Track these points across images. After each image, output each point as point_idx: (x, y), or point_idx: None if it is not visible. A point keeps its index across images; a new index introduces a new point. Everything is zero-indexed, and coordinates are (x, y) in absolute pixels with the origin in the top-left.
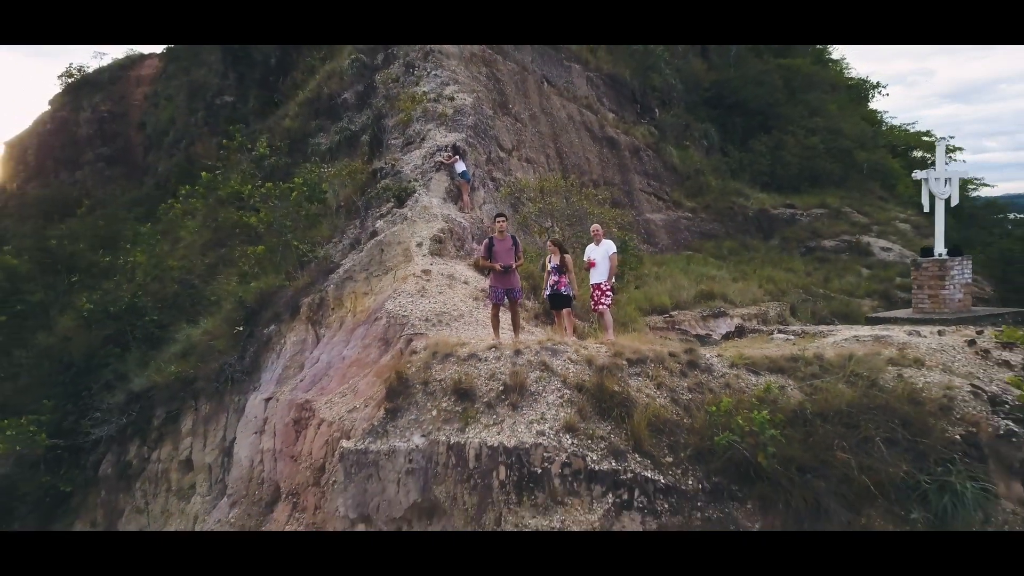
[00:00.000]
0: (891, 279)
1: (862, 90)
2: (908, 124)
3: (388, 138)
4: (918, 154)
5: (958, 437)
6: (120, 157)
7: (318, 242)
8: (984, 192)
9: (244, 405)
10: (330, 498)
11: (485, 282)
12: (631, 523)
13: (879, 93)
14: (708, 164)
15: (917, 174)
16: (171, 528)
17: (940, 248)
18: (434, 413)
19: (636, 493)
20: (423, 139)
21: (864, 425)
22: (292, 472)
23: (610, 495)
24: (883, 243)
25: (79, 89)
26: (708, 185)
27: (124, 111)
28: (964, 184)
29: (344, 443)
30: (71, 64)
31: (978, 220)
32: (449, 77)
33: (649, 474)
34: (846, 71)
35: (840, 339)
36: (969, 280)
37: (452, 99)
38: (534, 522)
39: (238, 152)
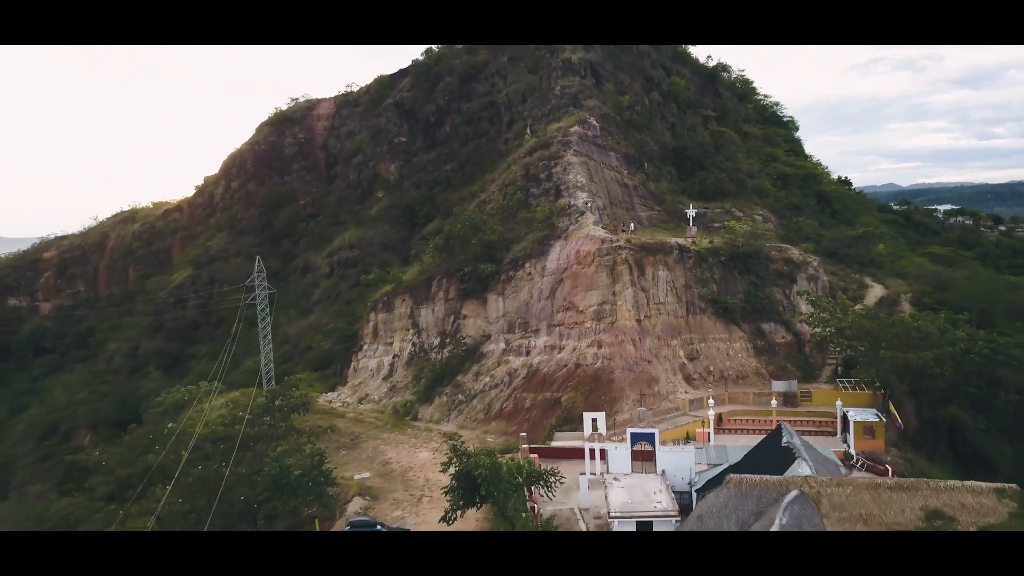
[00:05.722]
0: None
1: (792, 125)
2: (810, 154)
3: (564, 194)
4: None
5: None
6: (312, 168)
7: (553, 224)
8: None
9: (546, 259)
10: (587, 253)
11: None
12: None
13: (793, 127)
14: (668, 188)
15: (686, 210)
16: (523, 293)
17: (691, 230)
18: (611, 240)
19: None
20: (577, 197)
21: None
22: (576, 257)
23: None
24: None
25: (281, 122)
26: (665, 199)
27: (311, 137)
28: (846, 190)
29: (598, 247)
30: (275, 107)
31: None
32: (577, 171)
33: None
34: (779, 112)
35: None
36: (696, 232)
37: (581, 183)
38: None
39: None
